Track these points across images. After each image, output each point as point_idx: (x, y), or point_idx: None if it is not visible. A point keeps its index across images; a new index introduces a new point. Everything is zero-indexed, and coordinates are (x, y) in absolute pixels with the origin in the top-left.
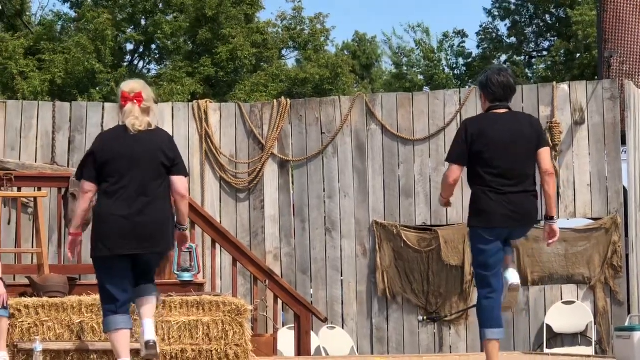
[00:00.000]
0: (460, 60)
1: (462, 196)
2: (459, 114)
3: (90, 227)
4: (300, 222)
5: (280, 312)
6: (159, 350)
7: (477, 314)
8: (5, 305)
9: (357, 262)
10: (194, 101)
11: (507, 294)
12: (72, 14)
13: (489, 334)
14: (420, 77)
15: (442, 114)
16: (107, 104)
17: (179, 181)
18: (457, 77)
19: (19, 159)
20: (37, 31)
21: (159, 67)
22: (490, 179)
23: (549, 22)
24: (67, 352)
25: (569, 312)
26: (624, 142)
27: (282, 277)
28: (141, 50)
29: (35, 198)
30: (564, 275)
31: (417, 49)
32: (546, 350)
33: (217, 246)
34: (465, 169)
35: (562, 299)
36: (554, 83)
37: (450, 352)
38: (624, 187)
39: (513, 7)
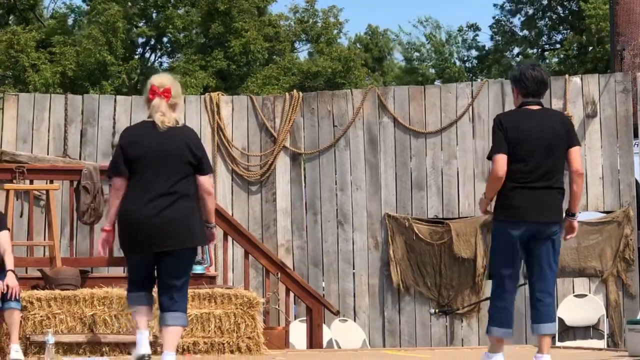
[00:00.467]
0: (473, 53)
1: (475, 189)
2: (471, 107)
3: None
4: (312, 214)
5: (292, 305)
6: None
7: (488, 310)
8: (17, 297)
9: (369, 255)
10: (206, 94)
11: None
12: (84, 6)
13: (493, 332)
14: (432, 70)
15: (454, 106)
16: (119, 97)
17: (204, 180)
18: (468, 70)
19: (31, 152)
20: (50, 24)
21: (171, 60)
22: (519, 175)
23: (562, 15)
24: (79, 345)
25: (581, 305)
26: (636, 135)
27: (294, 269)
28: (153, 42)
29: (47, 191)
30: (576, 269)
31: (428, 43)
32: (558, 344)
33: (229, 239)
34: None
35: (574, 292)
36: (567, 76)
37: (462, 345)
38: (636, 180)
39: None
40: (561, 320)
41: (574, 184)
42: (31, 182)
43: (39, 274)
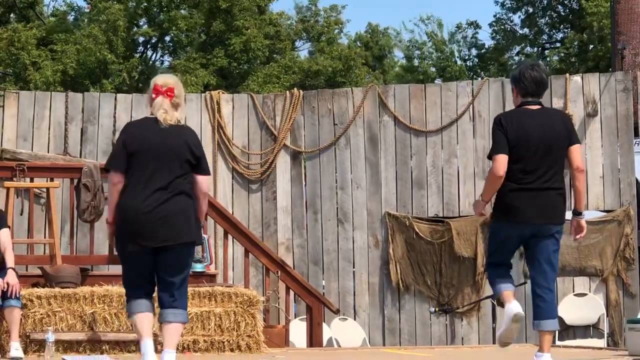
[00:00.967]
0: (473, 51)
1: (475, 188)
2: (471, 106)
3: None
4: (313, 213)
5: (292, 304)
6: None
7: (488, 277)
8: (17, 295)
9: (369, 254)
10: (207, 92)
11: (510, 325)
12: (85, 5)
13: (503, 288)
14: (433, 69)
15: (454, 105)
16: (119, 95)
17: (202, 180)
18: (469, 69)
19: (32, 150)
20: (50, 22)
21: (171, 59)
22: (519, 175)
23: (563, 13)
24: (79, 343)
25: (581, 305)
26: (636, 134)
27: (294, 268)
28: (154, 41)
29: (47, 189)
30: (576, 268)
31: (429, 41)
32: (558, 343)
33: (230, 237)
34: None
35: (574, 291)
36: (567, 75)
37: (462, 344)
38: (637, 179)
39: None
40: (561, 319)
41: (576, 181)
42: (32, 180)
43: (39, 272)
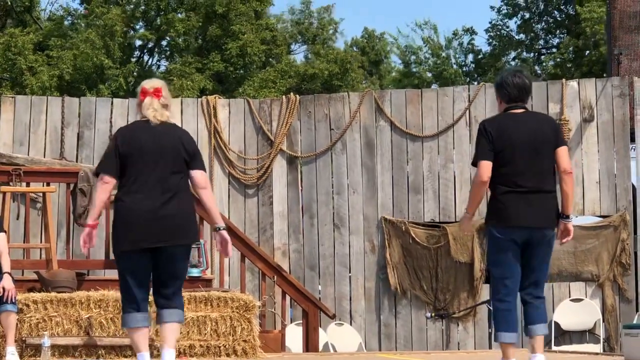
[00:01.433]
0: (470, 57)
1: None
2: (468, 111)
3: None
4: (309, 218)
5: (289, 308)
6: None
7: (493, 316)
8: (13, 300)
9: (366, 259)
10: (203, 97)
11: None
12: (82, 9)
13: (502, 337)
14: (429, 74)
15: (451, 110)
16: (115, 100)
17: (199, 174)
18: (466, 74)
19: (28, 154)
20: (47, 27)
21: (168, 63)
22: (510, 178)
23: (559, 19)
24: (75, 348)
25: (577, 310)
26: (633, 140)
27: (290, 273)
28: (150, 46)
29: (44, 193)
30: (572, 273)
31: (425, 46)
32: (554, 348)
33: None
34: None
35: (570, 297)
36: (563, 80)
37: (458, 349)
38: (633, 185)
39: (522, 3)
40: (557, 325)
41: (564, 184)
42: (28, 185)
43: (35, 277)
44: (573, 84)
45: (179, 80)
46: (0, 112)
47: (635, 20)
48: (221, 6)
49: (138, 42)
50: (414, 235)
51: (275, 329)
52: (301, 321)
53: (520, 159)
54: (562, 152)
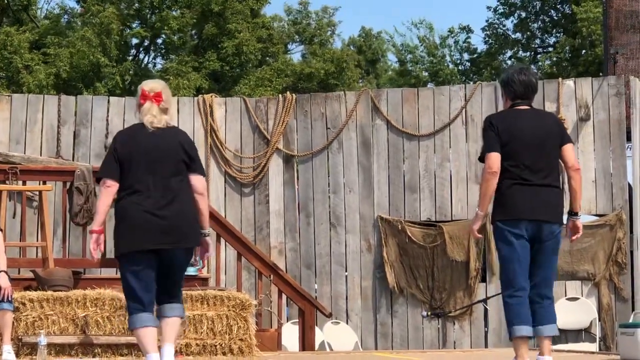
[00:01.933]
0: (465, 56)
1: (467, 192)
2: (464, 110)
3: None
4: (305, 217)
5: (285, 307)
6: None
7: (505, 314)
8: (9, 298)
9: (362, 258)
10: (199, 95)
11: None
12: (78, 8)
13: (516, 331)
14: (425, 73)
15: (447, 109)
16: (112, 98)
17: (198, 180)
18: (462, 73)
19: (24, 153)
20: (43, 25)
21: (164, 62)
22: (516, 172)
23: (555, 18)
24: (71, 346)
25: (573, 309)
26: (629, 139)
27: (286, 272)
28: (146, 44)
29: (40, 192)
30: (568, 272)
31: (421, 45)
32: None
33: (222, 240)
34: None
35: (566, 296)
36: (560, 79)
37: (455, 348)
38: (629, 184)
39: (519, 2)
40: None
41: (572, 181)
42: (24, 183)
43: (31, 275)
44: (569, 83)
45: (175, 79)
46: None
47: (632, 20)
48: (217, 4)
49: (134, 40)
50: (410, 234)
51: (271, 327)
52: (297, 320)
53: (526, 153)
54: (569, 149)
